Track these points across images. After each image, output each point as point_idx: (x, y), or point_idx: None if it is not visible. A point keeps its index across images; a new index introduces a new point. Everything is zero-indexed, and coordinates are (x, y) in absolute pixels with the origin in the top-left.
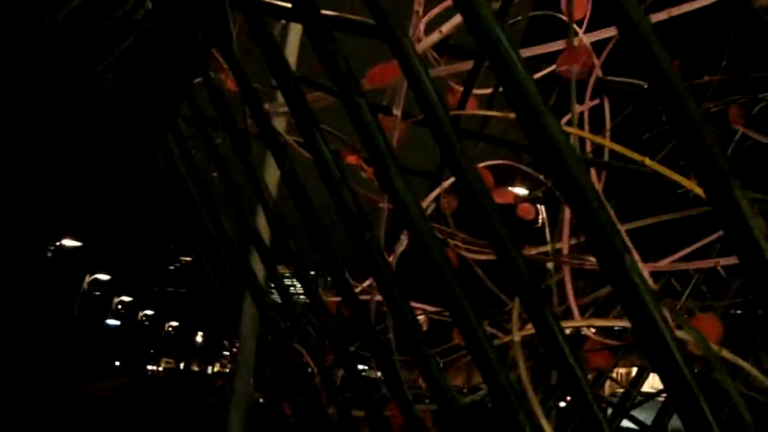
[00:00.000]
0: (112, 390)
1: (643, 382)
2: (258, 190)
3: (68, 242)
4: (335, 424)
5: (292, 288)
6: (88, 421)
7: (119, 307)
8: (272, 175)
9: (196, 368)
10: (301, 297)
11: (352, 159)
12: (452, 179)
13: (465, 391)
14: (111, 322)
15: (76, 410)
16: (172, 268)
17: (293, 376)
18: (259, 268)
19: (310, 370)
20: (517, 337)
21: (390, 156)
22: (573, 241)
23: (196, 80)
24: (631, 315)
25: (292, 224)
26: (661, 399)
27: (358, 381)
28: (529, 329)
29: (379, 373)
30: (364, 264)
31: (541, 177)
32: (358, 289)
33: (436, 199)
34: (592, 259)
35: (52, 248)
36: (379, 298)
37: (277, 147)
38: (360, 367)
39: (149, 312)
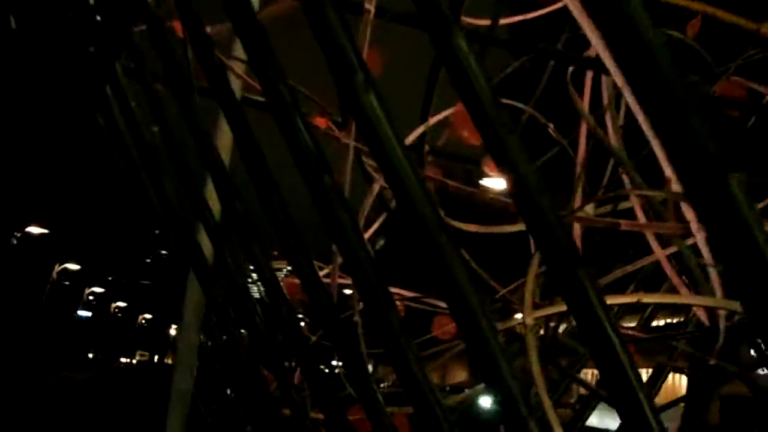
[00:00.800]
0: (79, 382)
1: (662, 382)
2: (207, 154)
3: (35, 229)
4: (291, 427)
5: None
6: (47, 413)
7: (90, 298)
8: (225, 137)
9: (170, 361)
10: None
11: (320, 122)
12: (442, 114)
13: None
14: (82, 313)
15: (37, 402)
16: (148, 260)
17: (243, 371)
18: (206, 244)
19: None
20: (529, 318)
21: (357, 60)
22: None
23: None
24: (735, 255)
25: (247, 194)
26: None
27: (318, 376)
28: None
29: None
30: (322, 220)
31: (551, 127)
32: (323, 272)
33: (419, 160)
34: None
35: (17, 235)
36: (343, 280)
37: (229, 98)
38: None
39: (122, 304)
